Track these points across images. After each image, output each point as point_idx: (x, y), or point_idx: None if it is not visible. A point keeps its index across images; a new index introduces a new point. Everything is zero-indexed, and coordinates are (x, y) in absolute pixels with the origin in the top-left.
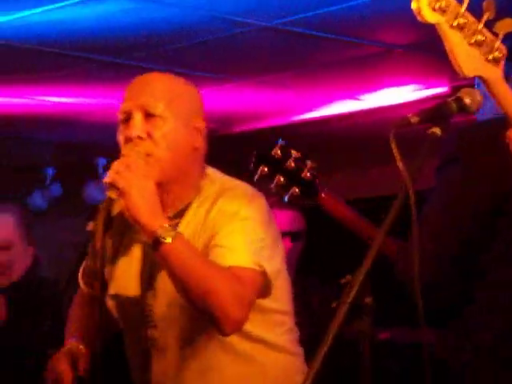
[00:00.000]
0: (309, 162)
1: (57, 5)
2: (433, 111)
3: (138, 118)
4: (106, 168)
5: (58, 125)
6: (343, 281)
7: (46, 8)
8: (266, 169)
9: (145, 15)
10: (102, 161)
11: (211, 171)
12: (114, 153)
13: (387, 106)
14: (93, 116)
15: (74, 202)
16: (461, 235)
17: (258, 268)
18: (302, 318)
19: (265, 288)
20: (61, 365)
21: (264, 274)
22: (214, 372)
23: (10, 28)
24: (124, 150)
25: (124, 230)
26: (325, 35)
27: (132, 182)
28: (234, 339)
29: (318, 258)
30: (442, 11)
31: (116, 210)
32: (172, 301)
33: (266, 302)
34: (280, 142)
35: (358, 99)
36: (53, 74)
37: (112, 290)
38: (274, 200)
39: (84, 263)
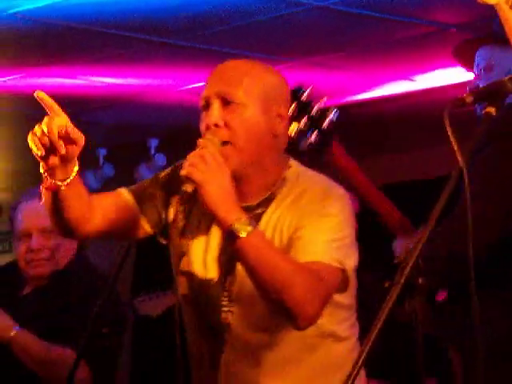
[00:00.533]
0: (330, 114)
1: None
2: (487, 91)
3: (215, 105)
4: (158, 149)
5: (110, 106)
6: (396, 261)
7: None
8: (294, 105)
9: None
10: (153, 141)
11: (294, 163)
12: (165, 133)
13: (440, 87)
14: (145, 97)
15: (127, 182)
16: None
17: (338, 265)
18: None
19: (342, 285)
20: None
21: (343, 271)
22: (292, 365)
23: (66, 8)
24: (203, 138)
25: (197, 204)
26: (378, 15)
27: (208, 175)
28: (309, 332)
29: (369, 239)
30: None
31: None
32: (252, 289)
33: (339, 298)
34: (311, 87)
35: (412, 80)
36: (106, 55)
37: (186, 267)
38: None
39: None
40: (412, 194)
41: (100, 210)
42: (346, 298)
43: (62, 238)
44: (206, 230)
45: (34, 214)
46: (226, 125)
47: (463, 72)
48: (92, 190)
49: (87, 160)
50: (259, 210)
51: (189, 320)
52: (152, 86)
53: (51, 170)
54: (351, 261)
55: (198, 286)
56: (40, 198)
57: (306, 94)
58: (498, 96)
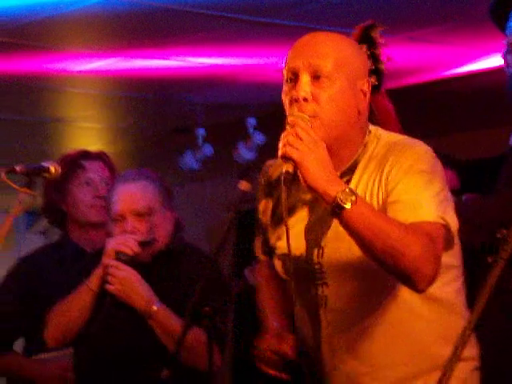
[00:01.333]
0: None
1: None
2: None
3: (305, 78)
4: (256, 127)
5: (208, 86)
6: (498, 235)
7: None
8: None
9: None
10: (251, 120)
11: (374, 128)
12: (263, 112)
13: None
14: (241, 76)
15: (226, 161)
16: None
17: (442, 221)
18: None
19: (448, 242)
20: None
21: (447, 227)
22: (394, 330)
23: None
24: (291, 111)
25: (287, 192)
26: None
27: (305, 151)
28: (415, 299)
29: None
30: None
31: (274, 173)
32: (341, 259)
33: (446, 257)
34: None
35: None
36: (202, 35)
37: (279, 250)
38: None
39: (256, 236)
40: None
41: None
42: (453, 258)
43: (157, 220)
44: (292, 211)
45: (128, 196)
46: (315, 99)
47: None
48: (192, 170)
49: (187, 140)
50: (344, 179)
51: (295, 301)
52: (249, 66)
53: None
54: (452, 215)
55: (293, 264)
56: (137, 179)
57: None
58: None
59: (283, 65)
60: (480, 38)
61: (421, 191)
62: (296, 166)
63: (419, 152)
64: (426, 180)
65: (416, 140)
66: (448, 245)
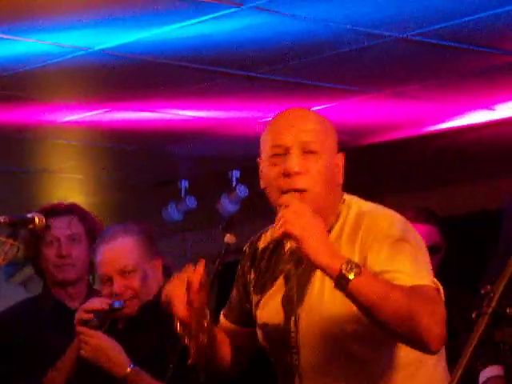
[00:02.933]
0: None
1: (192, 21)
2: None
3: (297, 153)
4: (240, 180)
5: (192, 138)
6: (483, 291)
7: (182, 24)
8: None
9: (278, 29)
10: (235, 173)
11: (347, 197)
12: (246, 165)
13: None
14: (225, 129)
15: (208, 214)
16: None
17: (434, 285)
18: None
19: None
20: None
21: (438, 290)
22: None
23: (151, 44)
24: (281, 183)
25: (268, 262)
26: (458, 45)
27: (306, 228)
28: (380, 368)
29: (455, 269)
30: None
31: (260, 245)
32: (313, 327)
33: None
34: None
35: (492, 109)
36: (187, 88)
37: (260, 320)
38: (410, 215)
39: (228, 303)
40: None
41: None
42: None
43: (145, 272)
44: (273, 280)
45: (112, 255)
46: (306, 173)
47: None
48: (174, 222)
49: (170, 192)
50: None
51: (276, 370)
52: (233, 118)
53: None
54: (435, 279)
55: (271, 333)
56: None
57: None
58: None
59: (264, 139)
60: (464, 95)
61: (405, 259)
62: (297, 242)
63: (394, 219)
64: (407, 247)
65: (386, 208)
66: None
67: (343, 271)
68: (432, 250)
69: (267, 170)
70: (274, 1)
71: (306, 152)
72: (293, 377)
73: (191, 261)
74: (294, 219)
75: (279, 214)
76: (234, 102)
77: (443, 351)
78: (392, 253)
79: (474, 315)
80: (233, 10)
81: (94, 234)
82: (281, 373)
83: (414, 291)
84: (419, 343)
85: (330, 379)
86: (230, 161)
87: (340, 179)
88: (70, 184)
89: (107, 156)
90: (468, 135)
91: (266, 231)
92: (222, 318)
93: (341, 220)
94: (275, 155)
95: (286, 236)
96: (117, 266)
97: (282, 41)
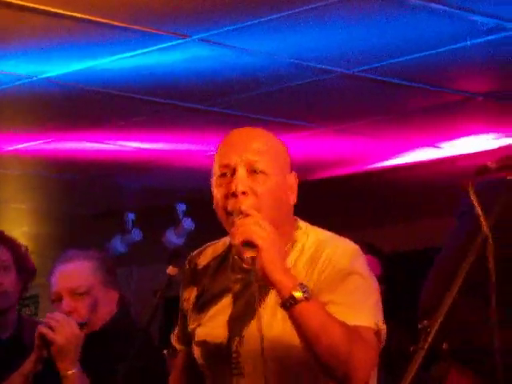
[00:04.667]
0: None
1: (138, 51)
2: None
3: (242, 173)
4: (186, 213)
5: (138, 170)
6: (420, 326)
7: (128, 54)
8: None
9: (224, 62)
10: (181, 206)
11: (302, 223)
12: (193, 198)
13: (466, 155)
14: (173, 162)
15: (154, 246)
16: None
17: (375, 327)
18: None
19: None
20: None
21: (378, 333)
22: None
23: (95, 74)
24: (227, 204)
25: (212, 281)
26: (404, 83)
27: (269, 240)
28: None
29: (394, 303)
30: None
31: (201, 262)
32: (258, 350)
33: None
34: None
35: (438, 147)
36: (134, 119)
37: (199, 337)
38: None
39: (175, 324)
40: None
41: None
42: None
43: (97, 300)
44: (217, 298)
45: (65, 276)
46: (253, 193)
47: (489, 140)
48: (119, 254)
49: (115, 224)
50: None
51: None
52: (180, 151)
53: None
54: (381, 319)
55: (211, 352)
56: (76, 259)
57: None
58: None
59: (214, 159)
60: (408, 132)
61: (357, 295)
62: (258, 252)
63: (351, 253)
64: (362, 284)
65: (344, 238)
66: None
67: (294, 292)
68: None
69: (215, 190)
70: (220, 33)
71: (253, 172)
72: None
73: (136, 294)
74: (256, 228)
75: (238, 222)
76: (180, 135)
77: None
78: (345, 286)
79: (411, 349)
80: (179, 41)
81: (21, 262)
82: None
83: (354, 331)
84: (341, 380)
85: None
86: (176, 194)
87: (292, 200)
88: (13, 214)
89: (52, 186)
90: (413, 172)
91: (206, 248)
92: (175, 342)
93: (299, 246)
94: (222, 175)
95: (248, 244)
96: (68, 285)
97: (229, 74)
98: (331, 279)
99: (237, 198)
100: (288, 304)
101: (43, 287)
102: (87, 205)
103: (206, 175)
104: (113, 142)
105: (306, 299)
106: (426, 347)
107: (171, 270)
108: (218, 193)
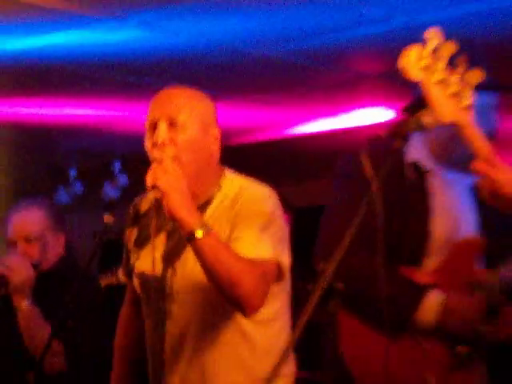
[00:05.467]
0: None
1: (81, 31)
2: (397, 128)
3: (163, 126)
4: (121, 170)
5: (81, 133)
6: (319, 267)
7: (73, 32)
8: None
9: (158, 42)
10: (117, 164)
11: (229, 172)
12: (127, 157)
13: (362, 126)
14: (109, 125)
15: (93, 198)
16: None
17: (274, 259)
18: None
19: (278, 276)
20: None
21: (278, 264)
22: (225, 346)
23: (42, 49)
24: (153, 154)
25: (151, 222)
26: (308, 63)
27: (171, 183)
28: (243, 320)
29: (300, 250)
30: (426, 69)
31: (143, 206)
32: (188, 280)
33: (275, 288)
34: None
35: (335, 119)
36: (77, 90)
37: (138, 269)
38: None
39: (123, 260)
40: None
41: None
42: (282, 289)
43: (47, 243)
44: (154, 237)
45: (19, 222)
46: (172, 143)
47: (382, 113)
48: (63, 204)
49: (60, 178)
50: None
51: (145, 314)
52: (116, 117)
53: None
54: (285, 254)
55: (148, 281)
56: (28, 208)
57: None
58: (405, 133)
59: (147, 116)
60: (312, 105)
61: (259, 232)
62: (162, 194)
63: (264, 196)
64: (266, 221)
65: (265, 186)
66: (279, 278)
67: (195, 229)
68: None
69: (146, 143)
70: (155, 17)
71: (173, 125)
72: (164, 321)
73: (77, 238)
74: (162, 174)
75: (150, 168)
76: (117, 103)
77: (287, 315)
78: (250, 224)
79: (310, 288)
80: (115, 22)
81: None
82: (152, 318)
83: (251, 263)
84: (237, 306)
85: (193, 326)
86: (113, 153)
87: (215, 150)
88: None
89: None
90: (318, 139)
91: (148, 194)
92: (121, 275)
93: (223, 192)
94: (149, 129)
95: (153, 187)
96: (22, 232)
97: (163, 52)
98: (241, 219)
99: (158, 147)
100: (189, 238)
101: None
102: (37, 162)
103: (138, 137)
104: (60, 110)
105: (206, 235)
106: (322, 286)
107: (107, 217)
108: (147, 144)
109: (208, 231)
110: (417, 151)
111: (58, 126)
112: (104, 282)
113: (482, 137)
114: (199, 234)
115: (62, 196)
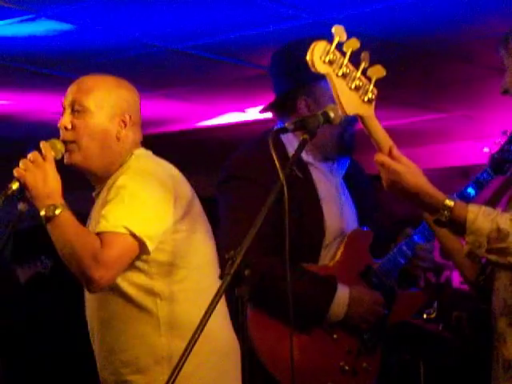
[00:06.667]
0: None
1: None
2: (305, 121)
3: (67, 111)
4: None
5: None
6: (228, 256)
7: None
8: None
9: (67, 35)
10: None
11: (140, 151)
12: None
13: (267, 118)
14: (26, 116)
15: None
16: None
17: (121, 230)
18: None
19: (141, 248)
20: None
21: (133, 234)
22: (125, 323)
23: None
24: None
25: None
26: (216, 58)
27: (29, 171)
28: (130, 291)
29: None
30: (330, 63)
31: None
32: None
33: (150, 257)
34: None
35: (244, 112)
36: None
37: None
38: None
39: None
40: None
41: None
42: (162, 256)
43: None
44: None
45: None
46: (74, 128)
47: None
48: None
49: None
50: (97, 192)
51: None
52: (32, 108)
53: None
54: (146, 224)
55: None
56: None
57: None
58: (313, 126)
59: None
60: (221, 99)
61: (115, 206)
62: (22, 184)
63: (136, 172)
64: (125, 196)
65: (146, 162)
66: (142, 250)
67: (47, 211)
68: None
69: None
70: (64, 11)
71: (77, 110)
72: (84, 306)
73: None
74: (23, 166)
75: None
76: (33, 94)
77: (194, 293)
78: (110, 199)
79: (220, 276)
80: (30, 16)
81: None
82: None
83: (90, 236)
84: (85, 280)
85: (96, 305)
86: (26, 142)
87: (123, 135)
88: None
89: None
90: (226, 130)
91: None
92: None
93: (121, 170)
94: (62, 114)
95: (14, 178)
96: None
97: (70, 45)
98: (110, 196)
99: (62, 131)
100: (46, 220)
101: None
102: None
103: (53, 127)
104: None
105: (56, 217)
106: (231, 273)
107: (22, 206)
108: (59, 128)
109: (59, 213)
110: (293, 147)
111: None
112: (29, 272)
113: (383, 129)
114: (50, 215)
115: None
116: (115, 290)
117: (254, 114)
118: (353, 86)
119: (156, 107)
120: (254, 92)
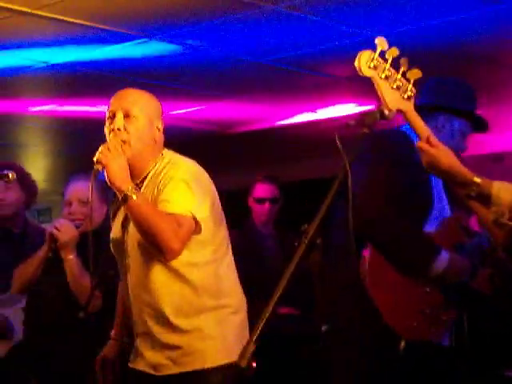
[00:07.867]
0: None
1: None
2: (364, 118)
3: (119, 116)
4: None
5: None
6: (302, 228)
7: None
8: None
9: (173, 54)
10: None
11: (167, 151)
12: None
13: (335, 117)
14: None
15: None
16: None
17: (189, 214)
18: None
19: (196, 227)
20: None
21: (194, 218)
22: (166, 286)
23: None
24: (109, 137)
25: (116, 195)
26: (295, 69)
27: (110, 158)
28: (175, 264)
29: (289, 217)
30: (375, 68)
31: None
32: (133, 237)
33: (197, 237)
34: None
35: (315, 112)
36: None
37: (111, 237)
38: (260, 178)
39: None
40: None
41: None
42: (203, 237)
43: (94, 207)
44: (119, 209)
45: (75, 189)
46: (126, 130)
47: (352, 107)
48: None
49: None
50: (140, 185)
51: (120, 273)
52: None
53: None
54: (200, 210)
55: (116, 245)
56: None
57: None
58: (371, 121)
59: (107, 108)
60: (296, 102)
61: (176, 193)
62: (103, 167)
63: (183, 168)
64: (184, 186)
65: (189, 161)
66: (197, 229)
67: (126, 192)
68: (273, 200)
69: (105, 130)
70: (173, 35)
71: (127, 116)
72: (126, 275)
73: None
74: (105, 151)
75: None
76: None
77: (224, 260)
78: (171, 189)
79: (295, 244)
80: (144, 40)
81: (25, 181)
82: (122, 274)
83: (169, 216)
84: (160, 253)
85: (141, 273)
86: None
87: (158, 138)
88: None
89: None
90: (301, 128)
91: None
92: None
93: (156, 167)
94: (108, 119)
95: (96, 162)
96: (77, 195)
97: (177, 62)
98: (164, 186)
99: (115, 132)
100: (123, 201)
101: (54, 203)
102: None
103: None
104: None
105: (134, 198)
106: (305, 243)
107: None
108: (106, 131)
109: (137, 194)
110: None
111: None
112: None
113: (421, 121)
114: (129, 196)
115: None
116: (159, 261)
117: (323, 113)
118: (394, 86)
119: (238, 110)
120: (323, 96)
